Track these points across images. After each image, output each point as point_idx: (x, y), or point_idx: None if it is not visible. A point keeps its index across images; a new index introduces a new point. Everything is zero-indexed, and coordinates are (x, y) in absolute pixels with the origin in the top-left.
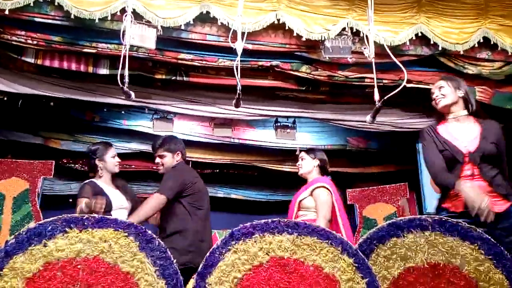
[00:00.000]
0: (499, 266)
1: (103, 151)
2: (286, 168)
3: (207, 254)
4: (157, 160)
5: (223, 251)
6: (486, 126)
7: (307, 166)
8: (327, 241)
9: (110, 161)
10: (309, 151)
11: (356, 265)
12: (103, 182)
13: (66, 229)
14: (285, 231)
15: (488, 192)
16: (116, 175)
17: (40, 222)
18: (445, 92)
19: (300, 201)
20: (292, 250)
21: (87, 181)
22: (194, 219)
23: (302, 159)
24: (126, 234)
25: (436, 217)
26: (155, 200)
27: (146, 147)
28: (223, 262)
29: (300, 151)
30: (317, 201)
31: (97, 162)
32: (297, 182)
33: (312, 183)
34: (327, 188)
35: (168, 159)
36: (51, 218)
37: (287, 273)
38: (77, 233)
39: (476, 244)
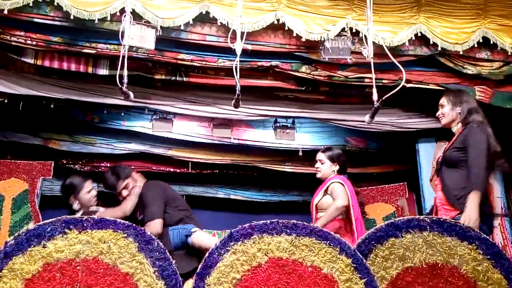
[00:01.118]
0: (497, 266)
1: (78, 187)
2: (286, 168)
3: (206, 255)
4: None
5: (222, 252)
6: (462, 132)
7: (327, 171)
8: (325, 241)
9: (85, 197)
10: (330, 154)
11: (354, 265)
12: None
13: (66, 230)
14: (283, 232)
15: (442, 201)
16: None
17: (39, 223)
18: (444, 111)
19: (317, 203)
20: (290, 251)
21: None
22: None
23: (321, 163)
24: (125, 235)
25: (434, 218)
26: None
27: (145, 148)
28: (222, 263)
29: (318, 151)
30: (332, 192)
31: (71, 199)
32: (296, 182)
33: (325, 182)
34: (341, 183)
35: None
36: (50, 220)
37: (286, 274)
38: (76, 234)
39: (474, 244)
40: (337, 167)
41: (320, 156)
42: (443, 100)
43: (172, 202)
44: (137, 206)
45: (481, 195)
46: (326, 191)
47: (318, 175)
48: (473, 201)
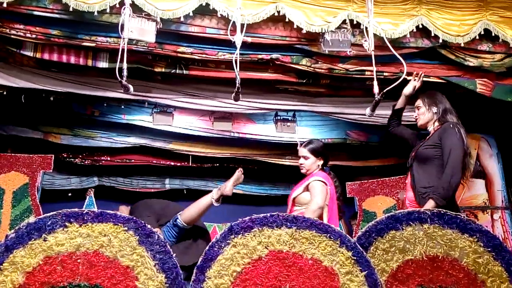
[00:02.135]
0: (498, 258)
1: None
2: (286, 162)
3: (207, 248)
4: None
5: (222, 245)
6: (438, 130)
7: (312, 166)
8: (325, 234)
9: None
10: (313, 148)
11: (355, 258)
12: None
13: (66, 223)
14: (283, 225)
15: (411, 201)
16: (116, 169)
17: (40, 217)
18: (420, 112)
19: (295, 197)
20: (290, 244)
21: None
22: None
23: (305, 159)
24: (126, 228)
25: (435, 210)
26: None
27: (145, 142)
28: (223, 256)
29: (300, 145)
30: (311, 190)
31: None
32: (297, 176)
33: (307, 178)
34: (323, 182)
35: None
36: (51, 213)
37: (286, 267)
38: (77, 228)
39: (475, 237)
40: (321, 162)
41: (303, 152)
42: (419, 102)
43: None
44: None
45: (437, 206)
46: (307, 187)
47: (303, 171)
48: (429, 205)
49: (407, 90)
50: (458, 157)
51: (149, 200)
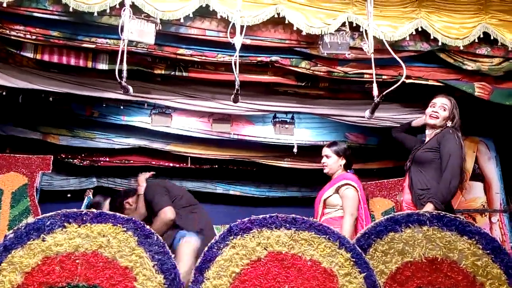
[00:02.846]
0: (496, 261)
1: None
2: (285, 164)
3: (205, 249)
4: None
5: (221, 246)
6: (438, 135)
7: (334, 165)
8: (324, 236)
9: None
10: (335, 149)
11: (354, 259)
12: None
13: (65, 224)
14: (282, 226)
15: (408, 204)
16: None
17: (39, 217)
18: (443, 114)
19: (325, 199)
20: (290, 245)
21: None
22: None
23: (327, 157)
24: (125, 229)
25: (434, 212)
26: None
27: (144, 143)
28: (221, 257)
29: (324, 146)
30: (343, 199)
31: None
32: (295, 178)
33: (337, 180)
34: (354, 186)
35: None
36: (50, 213)
37: (285, 268)
38: (76, 228)
39: (474, 239)
40: (344, 161)
41: (326, 151)
42: (446, 102)
43: (176, 200)
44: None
45: (435, 209)
46: (337, 190)
47: (325, 170)
48: (427, 208)
49: (417, 123)
50: (457, 162)
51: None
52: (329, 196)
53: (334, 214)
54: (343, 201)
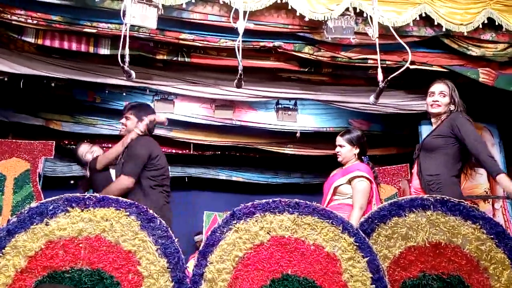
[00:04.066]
0: (500, 246)
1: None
2: (288, 150)
3: (209, 233)
4: (122, 120)
5: (225, 230)
6: (446, 120)
7: (348, 155)
8: (328, 220)
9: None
10: (349, 138)
11: (357, 244)
12: None
13: (68, 208)
14: (286, 210)
15: (417, 190)
16: None
17: (42, 201)
18: (443, 101)
19: (336, 186)
20: (293, 229)
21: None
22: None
23: (341, 147)
24: (128, 213)
25: (438, 197)
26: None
27: None
28: (225, 241)
29: (338, 134)
30: (355, 191)
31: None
32: (298, 164)
33: (350, 170)
34: (367, 178)
35: (131, 124)
36: (52, 198)
37: (288, 252)
38: (79, 212)
39: (477, 224)
40: (357, 150)
41: (340, 140)
42: (444, 89)
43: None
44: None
45: (506, 175)
46: (350, 181)
47: (339, 159)
48: (506, 180)
49: None
50: (480, 142)
51: None
52: (341, 185)
53: (343, 201)
54: (354, 193)
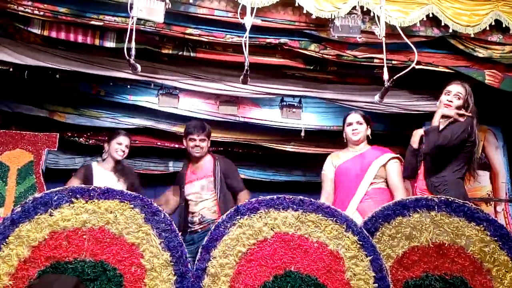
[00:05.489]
0: (504, 248)
1: (112, 136)
2: (290, 148)
3: (213, 227)
4: (198, 143)
5: (228, 225)
6: (455, 123)
7: (364, 134)
8: (332, 218)
9: (113, 147)
10: (364, 116)
11: (361, 243)
12: (102, 165)
13: (72, 199)
14: (290, 207)
15: (422, 190)
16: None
17: (46, 192)
18: (457, 104)
19: (375, 169)
20: (296, 226)
21: (86, 163)
22: None
23: (360, 124)
24: (132, 206)
25: (443, 198)
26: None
27: (151, 123)
28: (228, 236)
29: (351, 113)
30: (394, 172)
31: (105, 145)
32: (300, 162)
33: (378, 152)
34: (400, 159)
35: (206, 144)
36: (57, 188)
37: (291, 249)
38: (83, 204)
39: (482, 226)
40: (369, 131)
41: (358, 117)
42: (461, 90)
43: None
44: None
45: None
46: (384, 165)
47: (356, 138)
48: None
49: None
50: (456, 132)
51: None
52: (380, 167)
53: (382, 185)
54: (394, 175)
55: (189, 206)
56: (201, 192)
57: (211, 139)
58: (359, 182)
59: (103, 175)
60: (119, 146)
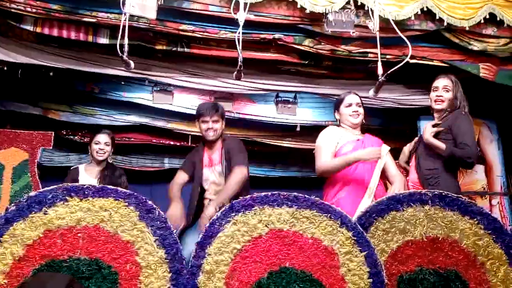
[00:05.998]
0: (498, 241)
1: (92, 137)
2: (286, 143)
3: (207, 224)
4: (210, 125)
5: (223, 222)
6: (449, 117)
7: (362, 116)
8: (326, 214)
9: (92, 148)
10: (361, 99)
11: (355, 238)
12: (88, 169)
13: (67, 197)
14: (284, 204)
15: (415, 183)
16: (116, 150)
17: (40, 190)
18: (447, 96)
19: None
20: (291, 223)
21: (75, 166)
22: None
23: (359, 106)
24: (127, 203)
25: (436, 192)
26: (240, 174)
27: (145, 120)
28: (223, 233)
29: (350, 94)
30: (393, 164)
31: (89, 146)
32: (296, 158)
33: (377, 141)
34: None
35: (220, 126)
36: (51, 187)
37: (286, 245)
38: (78, 202)
39: (475, 219)
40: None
41: (358, 99)
42: (448, 83)
43: None
44: None
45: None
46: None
47: (356, 121)
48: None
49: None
50: (472, 133)
51: None
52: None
53: None
54: (392, 166)
55: (205, 192)
56: (219, 178)
57: None
58: (373, 168)
59: (87, 179)
60: (97, 146)
